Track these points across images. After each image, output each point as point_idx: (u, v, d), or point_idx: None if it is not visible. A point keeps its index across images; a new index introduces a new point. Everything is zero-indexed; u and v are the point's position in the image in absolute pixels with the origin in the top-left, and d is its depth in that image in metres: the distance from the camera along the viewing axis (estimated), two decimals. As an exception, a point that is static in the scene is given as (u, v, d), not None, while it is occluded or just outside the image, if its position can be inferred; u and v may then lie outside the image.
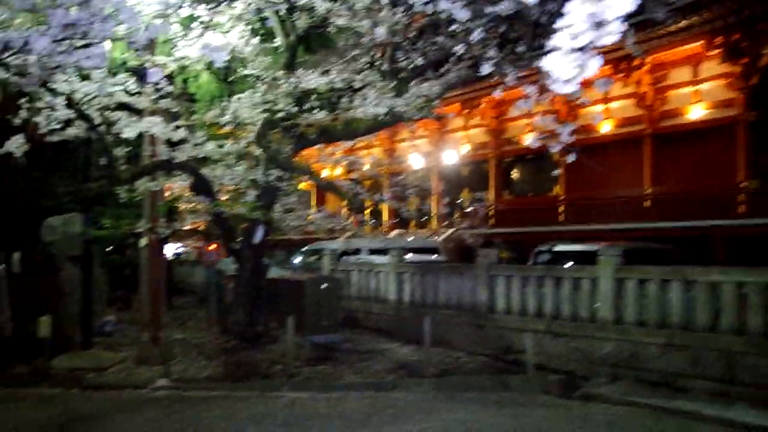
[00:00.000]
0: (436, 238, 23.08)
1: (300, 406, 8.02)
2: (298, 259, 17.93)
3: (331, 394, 8.62)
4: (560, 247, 12.68)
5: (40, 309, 11.18)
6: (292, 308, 10.47)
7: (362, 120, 10.24)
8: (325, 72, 10.88)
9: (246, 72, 11.54)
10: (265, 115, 10.59)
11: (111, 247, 18.04)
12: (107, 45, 10.92)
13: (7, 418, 7.66)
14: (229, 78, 13.78)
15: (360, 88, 10.61)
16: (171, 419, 7.40)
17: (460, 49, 7.31)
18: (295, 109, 10.64)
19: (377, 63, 11.40)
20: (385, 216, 24.81)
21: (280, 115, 10.58)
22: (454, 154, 24.74)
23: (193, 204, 11.82)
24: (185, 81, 12.95)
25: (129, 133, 8.67)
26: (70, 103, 7.34)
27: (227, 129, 11.27)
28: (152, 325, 10.84)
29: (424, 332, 9.52)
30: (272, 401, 8.30)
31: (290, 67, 11.33)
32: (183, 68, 11.55)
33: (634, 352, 8.96)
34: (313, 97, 10.99)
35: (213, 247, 10.77)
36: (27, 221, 11.81)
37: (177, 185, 11.26)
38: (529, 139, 6.82)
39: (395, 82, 9.64)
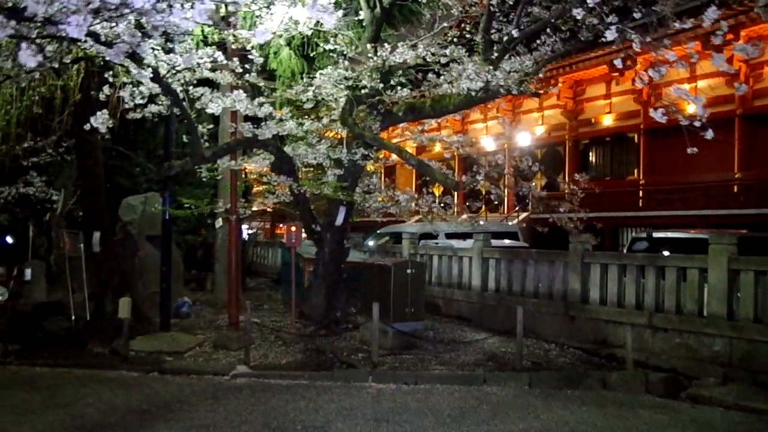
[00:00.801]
0: (512, 222, 22.35)
1: (388, 400, 7.56)
2: (370, 243, 17.53)
3: (418, 386, 8.13)
4: (661, 234, 11.80)
5: (118, 289, 11.10)
6: (375, 294, 9.99)
7: (453, 96, 9.64)
8: (413, 46, 10.31)
9: (328, 47, 11.13)
10: (347, 92, 10.19)
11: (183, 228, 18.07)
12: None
13: (88, 402, 7.44)
14: (310, 54, 13.46)
15: (447, 63, 10.05)
16: (254, 410, 7.03)
17: (577, 14, 6.60)
18: (381, 85, 10.18)
19: (467, 36, 10.82)
20: (456, 199, 24.15)
21: (364, 91, 10.19)
22: (527, 136, 23.82)
23: (272, 184, 11.46)
24: (266, 57, 12.65)
25: (213, 108, 8.33)
26: (156, 77, 6.97)
27: (308, 106, 10.86)
28: (231, 308, 10.57)
29: (517, 322, 8.90)
30: (358, 393, 7.86)
31: (375, 41, 10.87)
32: (263, 44, 11.22)
33: (750, 351, 8.14)
34: (400, 73, 10.51)
35: (294, 228, 10.35)
36: (107, 201, 11.67)
37: (254, 165, 10.88)
38: (656, 114, 6.05)
39: (493, 55, 8.96)
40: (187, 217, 14.17)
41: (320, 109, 10.88)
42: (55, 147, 14.32)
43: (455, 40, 10.89)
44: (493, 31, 9.80)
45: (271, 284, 17.47)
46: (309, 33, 10.59)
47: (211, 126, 9.85)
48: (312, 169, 11.58)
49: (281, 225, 24.62)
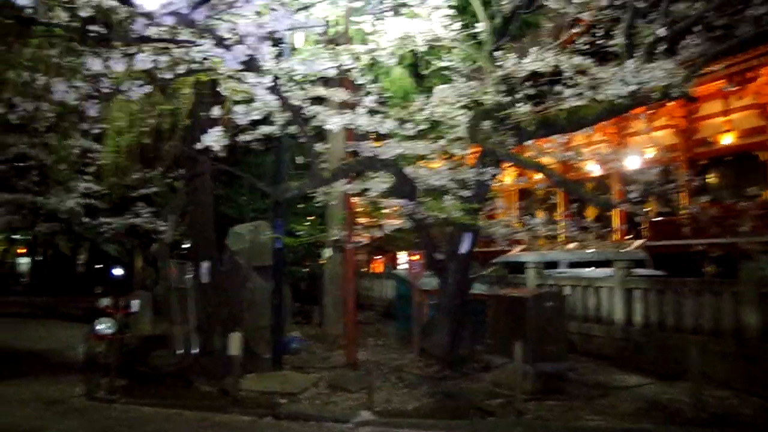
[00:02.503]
0: (623, 250, 20.57)
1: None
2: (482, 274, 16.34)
3: (576, 442, 6.92)
4: None
5: (226, 323, 10.45)
6: (506, 329, 8.89)
7: (592, 106, 8.51)
8: (539, 56, 9.29)
9: (442, 64, 10.30)
10: (463, 111, 9.35)
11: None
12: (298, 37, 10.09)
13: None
14: (421, 72, 12.70)
15: (578, 72, 8.98)
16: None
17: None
18: (507, 98, 9.23)
19: (599, 41, 9.71)
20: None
21: (487, 105, 9.27)
22: (637, 157, 21.94)
23: (382, 210, 10.61)
24: (376, 77, 11.95)
25: (332, 125, 7.55)
26: (274, 88, 6.21)
27: (423, 127, 10.00)
28: (348, 345, 9.67)
29: (690, 363, 7.51)
30: (508, 449, 6.72)
31: (494, 54, 9.97)
32: (372, 64, 10.57)
33: None
34: (528, 84, 9.52)
35: (416, 258, 9.40)
36: (215, 230, 11.10)
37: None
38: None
39: (641, 56, 7.80)
40: (293, 248, 13.54)
41: (440, 128, 10.01)
42: (163, 176, 14.13)
43: (584, 47, 9.86)
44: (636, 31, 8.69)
45: (380, 318, 16.56)
46: (423, 49, 9.87)
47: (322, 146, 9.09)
48: (426, 193, 10.66)
49: (377, 257, 23.88)
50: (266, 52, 5.38)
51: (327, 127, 7.77)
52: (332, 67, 6.74)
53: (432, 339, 10.35)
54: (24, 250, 37.38)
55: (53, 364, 11.41)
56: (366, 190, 9.63)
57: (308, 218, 14.22)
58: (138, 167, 13.16)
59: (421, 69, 12.19)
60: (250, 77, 6.03)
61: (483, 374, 9.52)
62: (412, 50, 10.09)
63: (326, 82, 9.10)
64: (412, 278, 9.48)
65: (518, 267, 14.12)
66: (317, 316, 15.32)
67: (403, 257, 22.53)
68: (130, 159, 12.33)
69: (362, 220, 12.29)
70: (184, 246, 17.75)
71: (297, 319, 15.86)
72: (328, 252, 12.50)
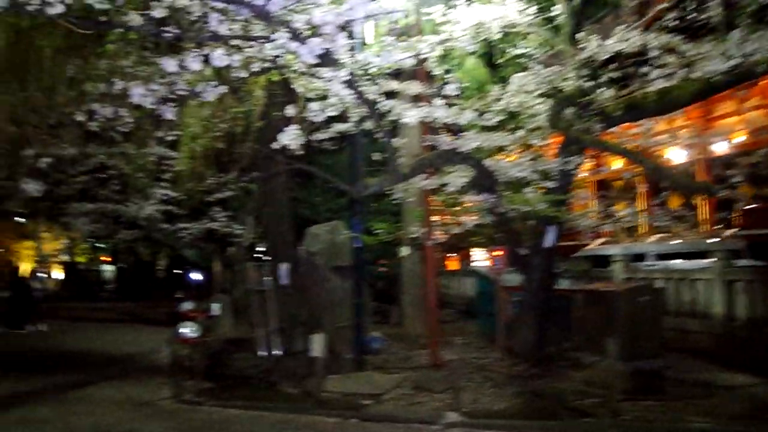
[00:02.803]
0: (710, 241, 19.48)
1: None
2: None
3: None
4: None
5: (307, 324, 10.38)
6: (596, 326, 8.45)
7: (685, 86, 7.97)
8: (625, 35, 8.81)
9: (516, 51, 9.93)
10: (540, 100, 8.97)
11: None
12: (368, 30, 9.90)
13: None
14: (495, 61, 12.32)
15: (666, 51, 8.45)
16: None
17: None
18: (590, 83, 8.81)
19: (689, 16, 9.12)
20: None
21: (569, 91, 8.88)
22: (726, 141, 20.76)
23: (460, 205, 10.31)
24: (448, 69, 11.63)
25: (409, 119, 7.31)
26: (350, 81, 6.01)
27: (498, 118, 9.64)
28: (431, 345, 9.41)
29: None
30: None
31: (574, 36, 9.55)
32: (444, 56, 10.31)
33: None
34: (612, 66, 9.05)
35: (499, 253, 9.06)
36: (292, 230, 11.02)
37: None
38: None
39: (745, 26, 7.22)
40: (369, 247, 13.38)
41: (519, 118, 9.64)
42: (238, 180, 14.23)
43: (673, 23, 9.28)
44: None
45: (459, 316, 16.21)
46: (497, 37, 9.51)
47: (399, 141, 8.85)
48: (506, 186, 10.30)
49: (452, 254, 23.44)
50: (341, 44, 5.16)
51: (404, 120, 7.53)
52: (408, 58, 6.49)
53: (517, 337, 9.98)
54: (108, 258, 38.68)
55: (140, 367, 11.62)
56: (444, 185, 9.35)
57: (383, 216, 14.02)
58: (213, 172, 13.27)
59: (495, 58, 11.81)
60: (325, 72, 5.85)
61: (572, 373, 9.06)
62: (485, 39, 9.77)
63: (396, 76, 8.91)
64: (495, 274, 9.15)
65: (601, 260, 13.57)
66: (395, 315, 15.12)
67: (477, 254, 22.09)
68: (205, 164, 12.43)
69: (438, 217, 12.03)
70: (259, 249, 17.91)
71: (375, 319, 15.67)
72: (405, 250, 12.25)
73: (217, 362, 10.97)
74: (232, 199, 15.42)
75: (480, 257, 22.05)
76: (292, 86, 8.20)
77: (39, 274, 25.12)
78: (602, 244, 17.12)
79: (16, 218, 34.03)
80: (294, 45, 4.99)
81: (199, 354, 9.85)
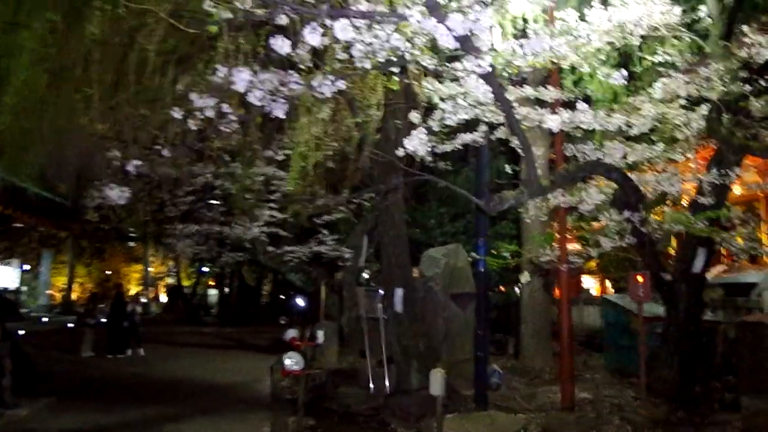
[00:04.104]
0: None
1: None
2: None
3: None
4: None
5: (423, 356, 9.50)
6: (753, 363, 7.22)
7: None
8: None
9: (656, 59, 8.85)
10: (682, 111, 7.87)
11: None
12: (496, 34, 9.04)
13: None
14: (631, 70, 11.20)
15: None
16: None
17: None
18: (747, 88, 7.68)
19: None
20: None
21: (729, 97, 7.74)
22: None
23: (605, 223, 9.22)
24: (579, 78, 10.62)
25: (551, 124, 6.39)
26: (490, 76, 5.14)
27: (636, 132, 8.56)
28: (563, 384, 8.30)
29: None
30: None
31: (728, 37, 8.44)
32: (573, 68, 9.35)
33: None
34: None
35: (641, 279, 7.91)
36: (407, 253, 10.17)
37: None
38: None
39: None
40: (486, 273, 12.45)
41: (665, 127, 8.51)
42: (348, 201, 13.60)
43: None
44: None
45: (580, 348, 14.90)
46: (636, 42, 8.51)
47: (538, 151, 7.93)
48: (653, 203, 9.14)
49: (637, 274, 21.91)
50: (486, 23, 4.30)
51: (546, 126, 6.60)
52: (556, 47, 5.57)
53: (657, 374, 8.75)
54: (212, 282, 39.24)
55: (240, 399, 11.00)
56: (579, 202, 8.31)
57: (501, 241, 13.04)
58: (323, 193, 12.72)
59: (632, 66, 10.69)
60: (464, 63, 5.01)
61: (726, 417, 7.82)
62: (618, 48, 8.78)
63: (521, 83, 8.05)
64: (637, 303, 8.01)
65: (736, 289, 12.08)
66: (512, 346, 14.00)
67: (588, 281, 20.64)
68: (315, 184, 11.86)
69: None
70: (366, 274, 17.23)
71: (490, 350, 14.64)
72: (525, 276, 11.22)
73: (321, 396, 10.30)
74: (341, 221, 14.82)
75: (589, 284, 20.60)
76: (415, 92, 7.51)
77: (141, 299, 25.41)
78: (735, 270, 15.44)
79: (129, 242, 35.34)
80: (430, 24, 4.16)
81: (303, 387, 9.12)
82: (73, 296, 39.49)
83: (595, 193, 8.10)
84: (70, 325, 19.60)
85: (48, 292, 38.93)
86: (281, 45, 4.35)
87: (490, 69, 4.94)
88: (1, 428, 8.26)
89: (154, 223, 17.07)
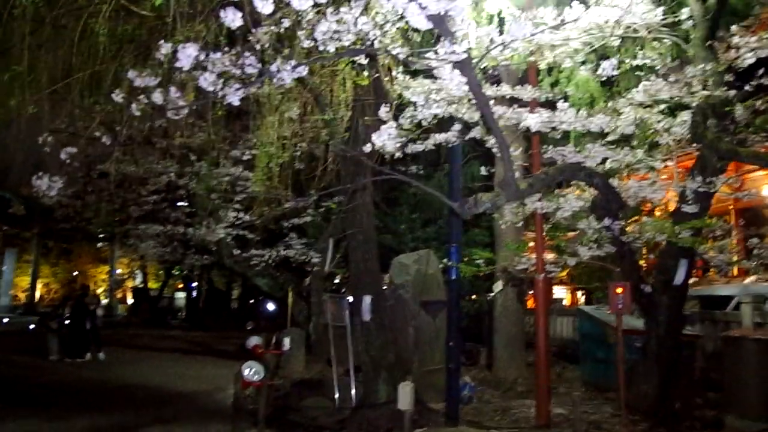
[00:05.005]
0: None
1: None
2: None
3: None
4: None
5: (392, 367, 9.05)
6: (736, 378, 6.90)
7: None
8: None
9: (635, 62, 8.54)
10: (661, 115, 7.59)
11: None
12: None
13: None
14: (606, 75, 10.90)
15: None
16: None
17: None
18: (731, 92, 7.41)
19: None
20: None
21: (712, 100, 7.46)
22: None
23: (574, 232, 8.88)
24: (556, 81, 10.27)
25: (531, 123, 6.03)
26: (464, 64, 4.70)
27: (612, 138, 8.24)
28: (539, 399, 7.87)
29: None
30: None
31: (709, 39, 8.17)
32: (551, 68, 9.02)
33: None
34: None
35: (620, 290, 7.52)
36: (377, 259, 9.69)
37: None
38: None
39: None
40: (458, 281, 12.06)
41: (645, 133, 8.21)
42: (317, 203, 13.17)
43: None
44: None
45: (553, 360, 14.54)
46: (615, 43, 8.19)
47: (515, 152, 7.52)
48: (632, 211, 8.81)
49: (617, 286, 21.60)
50: (463, 3, 3.87)
51: (523, 125, 6.20)
52: (537, 34, 5.16)
53: (636, 389, 8.39)
54: (181, 285, 38.44)
55: (201, 408, 10.45)
56: (557, 208, 7.94)
57: (473, 248, 12.65)
58: (290, 195, 12.27)
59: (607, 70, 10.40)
60: (433, 54, 4.58)
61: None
62: (594, 50, 8.46)
63: (497, 83, 7.68)
64: (617, 315, 7.61)
65: (712, 301, 11.84)
66: (484, 357, 13.58)
67: (559, 291, 20.32)
68: (282, 185, 11.40)
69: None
70: (336, 280, 16.73)
71: (462, 361, 14.21)
72: (498, 285, 10.84)
73: (284, 406, 9.78)
74: (309, 224, 14.36)
75: (560, 295, 20.29)
76: (384, 87, 7.09)
77: (101, 300, 24.67)
78: (706, 283, 15.24)
79: (96, 243, 34.55)
80: (401, 1, 3.73)
81: (263, 398, 8.61)
82: (38, 297, 38.56)
83: (574, 199, 7.72)
84: (32, 326, 18.94)
85: (10, 292, 37.83)
86: (232, 18, 3.87)
87: (465, 56, 4.51)
88: None
89: (118, 223, 16.54)
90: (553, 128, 6.59)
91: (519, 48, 5.35)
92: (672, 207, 8.58)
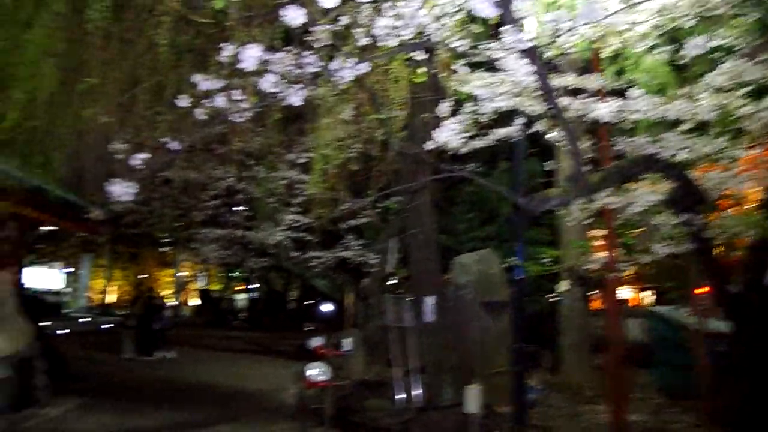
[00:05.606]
0: None
1: None
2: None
3: None
4: None
5: (455, 369, 8.85)
6: None
7: None
8: None
9: (710, 44, 8.06)
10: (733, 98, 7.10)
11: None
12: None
13: None
14: (678, 60, 10.39)
15: None
16: None
17: None
18: None
19: None
20: None
21: None
22: None
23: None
24: (618, 71, 9.86)
25: (600, 113, 5.71)
26: (532, 52, 4.48)
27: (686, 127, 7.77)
28: (616, 405, 7.49)
29: None
30: None
31: None
32: (616, 55, 8.61)
33: None
34: None
35: (702, 290, 7.13)
36: (437, 258, 9.51)
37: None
38: None
39: None
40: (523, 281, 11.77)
41: (728, 119, 7.73)
42: (374, 205, 13.11)
43: None
44: None
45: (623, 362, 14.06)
46: (690, 24, 7.76)
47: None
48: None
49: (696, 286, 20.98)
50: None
51: (593, 115, 5.90)
52: (612, 14, 4.87)
53: (719, 398, 7.90)
54: (241, 287, 39.18)
55: (265, 407, 10.58)
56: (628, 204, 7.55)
57: (536, 247, 12.31)
58: (347, 195, 12.23)
59: (679, 55, 9.88)
60: (497, 43, 4.39)
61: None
62: (665, 33, 8.03)
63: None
64: (700, 318, 7.19)
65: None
66: (547, 359, 13.22)
67: (623, 292, 19.71)
68: (339, 187, 11.35)
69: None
70: (392, 281, 16.66)
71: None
72: (564, 285, 10.49)
73: (347, 407, 9.73)
74: (366, 226, 14.31)
75: (625, 296, 19.67)
76: (443, 83, 6.90)
77: (170, 302, 25.40)
78: None
79: (161, 248, 35.64)
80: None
81: (329, 399, 8.57)
82: (110, 299, 40.53)
83: (648, 193, 7.31)
84: (106, 326, 19.55)
85: (87, 294, 40.05)
86: (293, 16, 3.76)
87: (533, 44, 4.30)
88: (32, 427, 8.16)
89: (181, 228, 16.95)
90: (622, 119, 6.25)
91: (586, 34, 5.05)
92: (756, 199, 8.06)
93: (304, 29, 4.51)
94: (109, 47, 7.06)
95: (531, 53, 4.43)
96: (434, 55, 6.84)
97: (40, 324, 10.03)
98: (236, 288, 40.16)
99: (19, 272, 11.01)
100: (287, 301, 35.29)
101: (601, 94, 6.93)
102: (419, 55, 5.65)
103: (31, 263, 26.47)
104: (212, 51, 6.04)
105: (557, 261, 9.26)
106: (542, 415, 9.17)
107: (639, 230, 9.18)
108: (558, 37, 4.71)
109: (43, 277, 32.37)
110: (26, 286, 13.97)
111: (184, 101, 4.52)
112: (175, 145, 5.91)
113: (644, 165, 6.36)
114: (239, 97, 4.43)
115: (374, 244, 13.49)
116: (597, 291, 22.98)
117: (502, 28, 4.53)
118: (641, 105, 5.78)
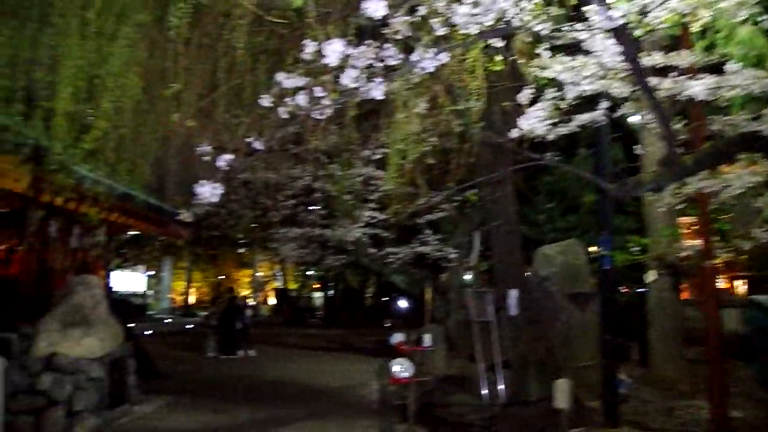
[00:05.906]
0: None
1: None
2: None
3: None
4: None
5: (541, 363, 8.64)
6: None
7: None
8: None
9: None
10: None
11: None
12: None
13: None
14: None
15: None
16: None
17: None
18: None
19: None
20: None
21: None
22: None
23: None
24: (708, 46, 9.39)
25: (695, 92, 5.38)
26: (621, 32, 4.28)
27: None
28: (715, 400, 7.11)
29: None
30: None
31: None
32: (704, 30, 8.16)
33: None
34: None
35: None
36: (519, 250, 9.32)
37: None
38: None
39: None
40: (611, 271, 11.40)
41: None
42: (451, 197, 12.96)
43: None
44: None
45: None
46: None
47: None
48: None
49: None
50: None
51: (686, 93, 5.60)
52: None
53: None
54: (318, 285, 39.67)
55: (347, 403, 10.59)
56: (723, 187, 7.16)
57: (621, 236, 11.87)
58: (424, 190, 12.14)
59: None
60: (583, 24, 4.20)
61: None
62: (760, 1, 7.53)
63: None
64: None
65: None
66: (635, 352, 12.79)
67: (719, 281, 18.83)
68: (415, 182, 11.27)
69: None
70: (468, 275, 16.51)
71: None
72: (652, 275, 10.08)
73: (430, 403, 9.66)
74: (443, 220, 14.18)
75: (720, 284, 18.79)
76: (522, 71, 6.72)
77: (250, 301, 25.93)
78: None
79: (239, 249, 36.53)
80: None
81: (412, 395, 8.51)
82: (191, 300, 42.06)
83: (747, 174, 6.90)
84: (188, 326, 20.10)
85: (169, 295, 41.82)
86: (375, 8, 3.72)
87: (622, 21, 4.10)
88: (128, 423, 8.43)
89: (260, 229, 17.25)
90: (717, 96, 5.91)
91: (679, 8, 4.79)
92: None
93: (380, 23, 4.46)
94: (188, 53, 7.26)
95: (620, 32, 4.24)
96: (511, 42, 6.69)
97: (128, 325, 10.36)
98: (313, 286, 40.68)
99: (108, 276, 11.47)
100: (364, 298, 35.51)
101: (692, 71, 6.61)
102: (497, 43, 5.51)
103: (117, 267, 27.60)
104: (288, 50, 6.08)
105: (645, 250, 8.89)
106: (634, 410, 8.86)
107: (730, 216, 8.75)
108: (646, 13, 4.48)
109: (127, 280, 33.91)
110: (114, 289, 14.55)
111: (266, 101, 4.54)
112: (257, 145, 5.98)
113: (743, 144, 6.00)
114: (321, 94, 4.41)
115: (452, 238, 13.35)
116: (688, 280, 22.18)
117: (584, 8, 4.34)
118: (740, 80, 5.42)
